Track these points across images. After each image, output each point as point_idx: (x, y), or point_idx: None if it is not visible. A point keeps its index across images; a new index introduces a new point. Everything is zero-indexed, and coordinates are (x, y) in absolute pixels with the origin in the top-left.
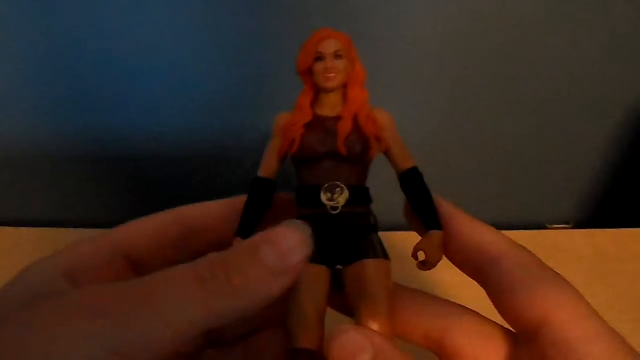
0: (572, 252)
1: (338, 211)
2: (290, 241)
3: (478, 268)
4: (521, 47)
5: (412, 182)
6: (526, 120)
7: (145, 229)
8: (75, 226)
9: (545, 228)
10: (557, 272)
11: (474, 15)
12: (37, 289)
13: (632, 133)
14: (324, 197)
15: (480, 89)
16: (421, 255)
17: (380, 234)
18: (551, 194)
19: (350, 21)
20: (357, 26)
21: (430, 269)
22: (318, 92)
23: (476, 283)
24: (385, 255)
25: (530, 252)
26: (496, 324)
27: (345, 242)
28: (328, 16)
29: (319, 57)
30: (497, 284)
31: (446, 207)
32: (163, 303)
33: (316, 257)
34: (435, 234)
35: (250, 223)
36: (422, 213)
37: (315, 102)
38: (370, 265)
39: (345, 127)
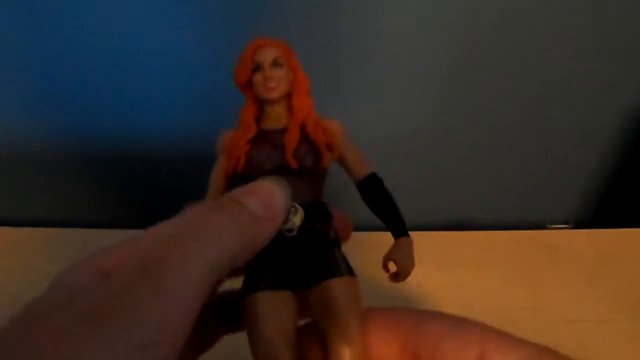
0: (572, 252)
1: (294, 233)
2: (272, 192)
3: None
4: (521, 47)
5: (371, 189)
6: (526, 121)
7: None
8: (75, 226)
9: (545, 228)
10: (556, 271)
11: (474, 15)
12: (74, 291)
13: (632, 133)
14: None
15: (479, 88)
16: (392, 267)
17: (376, 234)
18: (551, 194)
19: (343, 21)
20: (351, 26)
21: (402, 280)
22: (261, 104)
23: (459, 285)
24: (351, 272)
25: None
26: (474, 322)
27: (306, 263)
28: (321, 15)
29: (257, 68)
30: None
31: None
32: (170, 281)
33: (277, 283)
34: (404, 242)
35: None
36: (387, 221)
37: (259, 115)
38: (336, 285)
39: (292, 138)
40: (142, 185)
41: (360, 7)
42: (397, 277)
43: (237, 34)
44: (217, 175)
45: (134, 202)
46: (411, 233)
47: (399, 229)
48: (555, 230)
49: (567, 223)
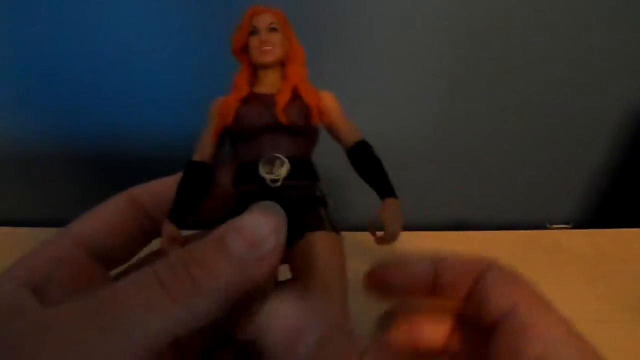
0: (572, 252)
1: (279, 184)
2: (259, 227)
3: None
4: (521, 48)
5: (361, 154)
6: (526, 121)
7: (100, 218)
8: None
9: (545, 228)
10: (556, 271)
11: (475, 16)
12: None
13: (632, 133)
14: (262, 170)
15: (480, 88)
16: (377, 230)
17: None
18: (551, 194)
19: (343, 19)
20: (352, 23)
21: (390, 243)
22: (256, 71)
23: None
24: (335, 229)
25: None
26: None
27: (290, 217)
28: (320, 13)
29: (254, 31)
30: (483, 292)
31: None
32: (126, 318)
33: None
34: (391, 202)
35: (184, 207)
36: (375, 182)
37: (253, 81)
38: (318, 239)
39: (284, 96)
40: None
41: (361, 7)
42: (384, 239)
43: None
44: (205, 136)
45: None
46: (411, 233)
47: (386, 189)
48: (555, 230)
49: (567, 223)
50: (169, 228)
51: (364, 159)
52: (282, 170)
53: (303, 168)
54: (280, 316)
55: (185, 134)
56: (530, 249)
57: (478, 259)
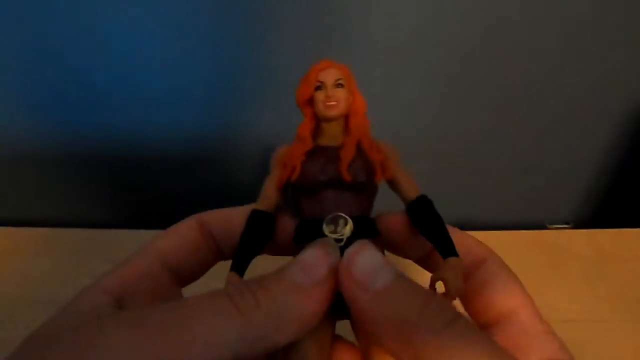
0: (572, 252)
1: (343, 243)
2: (313, 255)
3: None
4: (521, 47)
5: (422, 210)
6: (526, 120)
7: (178, 236)
8: (73, 226)
9: (545, 228)
10: (556, 271)
11: (476, 16)
12: (84, 316)
13: (632, 133)
14: (326, 230)
15: (479, 88)
16: (439, 286)
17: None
18: (551, 194)
19: (343, 20)
20: (351, 25)
21: (453, 300)
22: (319, 123)
23: None
24: None
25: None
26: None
27: None
28: (321, 16)
29: (320, 87)
30: (480, 281)
31: None
32: (200, 326)
33: None
34: (455, 261)
35: (246, 257)
36: (437, 241)
37: (316, 133)
38: None
39: (348, 152)
40: (141, 185)
41: (362, 7)
42: (446, 296)
43: (237, 35)
44: (269, 185)
45: (133, 202)
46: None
47: (449, 249)
48: (555, 230)
49: (567, 223)
50: (233, 279)
51: (425, 215)
52: (346, 230)
53: (365, 226)
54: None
55: (186, 135)
56: (530, 249)
57: (476, 247)
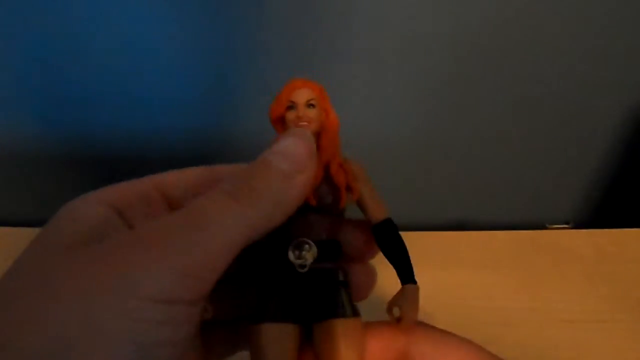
0: (572, 252)
1: (306, 269)
2: (297, 148)
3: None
4: (520, 47)
5: (386, 234)
6: (526, 120)
7: (181, 175)
8: None
9: (545, 228)
10: (556, 271)
11: (474, 15)
12: (90, 225)
13: (632, 133)
14: (291, 256)
15: (479, 88)
16: (396, 312)
17: None
18: (551, 194)
19: (336, 20)
20: (344, 25)
21: (406, 327)
22: None
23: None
24: (355, 313)
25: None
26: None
27: (313, 299)
28: (314, 15)
29: (291, 106)
30: None
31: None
32: (210, 222)
33: (282, 315)
34: (411, 289)
35: None
36: (397, 266)
37: None
38: (340, 325)
39: (315, 177)
40: None
41: (357, 8)
42: (400, 323)
43: (234, 35)
44: None
45: None
46: (412, 233)
47: (407, 275)
48: (555, 230)
49: (567, 223)
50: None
51: (388, 239)
52: (309, 256)
53: (329, 250)
54: None
55: (185, 134)
56: (530, 249)
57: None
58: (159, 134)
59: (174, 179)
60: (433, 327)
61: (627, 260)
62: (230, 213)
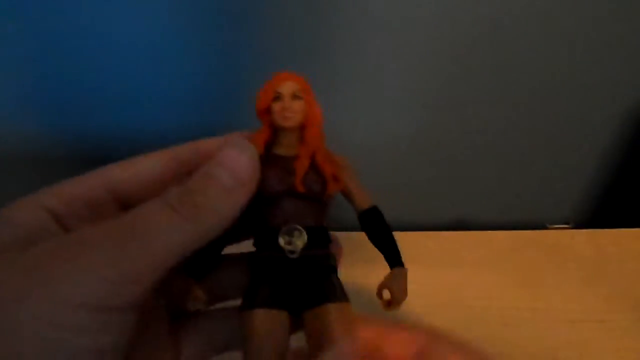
0: (572, 252)
1: (296, 255)
2: (239, 161)
3: None
4: (520, 47)
5: (372, 220)
6: (526, 120)
7: (138, 169)
8: None
9: (545, 228)
10: (556, 271)
11: (473, 15)
12: (27, 229)
13: (632, 133)
14: (281, 241)
15: (479, 87)
16: (386, 294)
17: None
18: (551, 194)
19: (334, 21)
20: (342, 24)
21: (395, 309)
22: (275, 132)
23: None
24: (346, 298)
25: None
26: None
27: (304, 286)
28: (312, 16)
29: (277, 97)
30: None
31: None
32: (146, 233)
33: (275, 301)
34: (399, 271)
35: (202, 264)
36: (385, 251)
37: (272, 141)
38: (332, 310)
39: (302, 164)
40: None
41: (357, 7)
42: (390, 305)
43: (232, 35)
44: None
45: None
46: (412, 233)
47: (395, 259)
48: (555, 230)
49: (567, 223)
50: (190, 286)
51: (374, 226)
52: (300, 242)
53: (318, 236)
54: None
55: (186, 135)
56: (530, 249)
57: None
58: (158, 133)
59: (125, 176)
60: (447, 335)
61: (627, 260)
62: (169, 225)
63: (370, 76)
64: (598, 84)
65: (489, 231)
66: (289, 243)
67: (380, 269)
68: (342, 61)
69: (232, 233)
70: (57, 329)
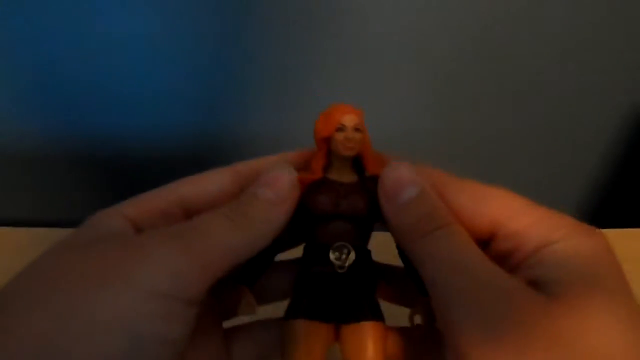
0: None
1: (344, 270)
2: (280, 180)
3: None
4: (521, 46)
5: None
6: (526, 121)
7: (205, 186)
8: (73, 226)
9: None
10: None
11: (473, 14)
12: (109, 233)
13: (632, 133)
14: (332, 256)
15: (478, 88)
16: (417, 319)
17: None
18: (551, 193)
19: (336, 21)
20: (345, 24)
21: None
22: (330, 158)
23: None
24: (382, 317)
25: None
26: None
27: (346, 301)
28: (314, 15)
29: (341, 128)
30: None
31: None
32: (206, 235)
33: (317, 313)
34: (428, 300)
35: (254, 271)
36: (415, 279)
37: (327, 167)
38: (369, 329)
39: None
40: (141, 185)
41: (357, 6)
42: (420, 329)
43: (230, 35)
44: None
45: None
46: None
47: (425, 289)
48: None
49: None
50: (243, 292)
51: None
52: (349, 259)
53: (364, 256)
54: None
55: (186, 134)
56: None
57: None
58: (158, 133)
59: (194, 192)
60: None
61: (627, 260)
62: (225, 230)
63: (370, 77)
64: (598, 84)
65: None
66: (339, 259)
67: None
68: (342, 61)
69: (281, 244)
70: (130, 315)
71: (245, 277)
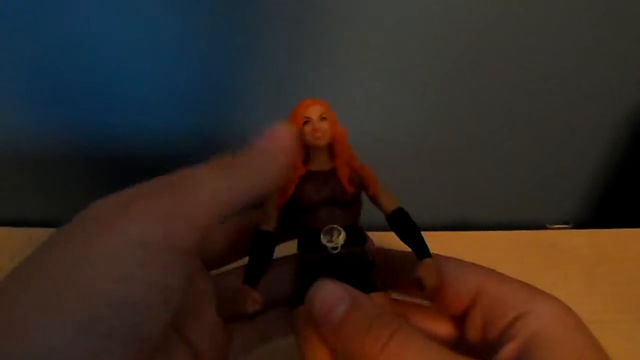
0: (572, 252)
1: (337, 250)
2: (281, 132)
3: None
4: (520, 47)
5: (400, 220)
6: (526, 120)
7: None
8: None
9: (545, 228)
10: (556, 271)
11: (473, 14)
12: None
13: (632, 133)
14: (323, 240)
15: (478, 88)
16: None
17: (380, 234)
18: (551, 194)
19: (334, 21)
20: (342, 25)
21: (429, 294)
22: (307, 152)
23: None
24: (386, 288)
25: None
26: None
27: (349, 280)
28: (311, 16)
29: (307, 121)
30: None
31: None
32: (192, 183)
33: None
34: (428, 261)
35: (256, 272)
36: (414, 245)
37: (306, 160)
38: (380, 298)
39: (344, 172)
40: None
41: (356, 6)
42: (423, 290)
43: (229, 35)
44: (270, 205)
45: None
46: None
47: (424, 251)
48: (555, 230)
49: (567, 223)
50: (248, 291)
51: (403, 225)
52: (340, 239)
53: (355, 235)
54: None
55: (183, 135)
56: (530, 249)
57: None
58: (157, 133)
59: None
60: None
61: (627, 260)
62: (214, 176)
63: (370, 78)
64: (598, 84)
65: (489, 231)
66: (330, 241)
67: None
68: (342, 62)
69: (275, 240)
70: (124, 264)
71: (248, 278)
